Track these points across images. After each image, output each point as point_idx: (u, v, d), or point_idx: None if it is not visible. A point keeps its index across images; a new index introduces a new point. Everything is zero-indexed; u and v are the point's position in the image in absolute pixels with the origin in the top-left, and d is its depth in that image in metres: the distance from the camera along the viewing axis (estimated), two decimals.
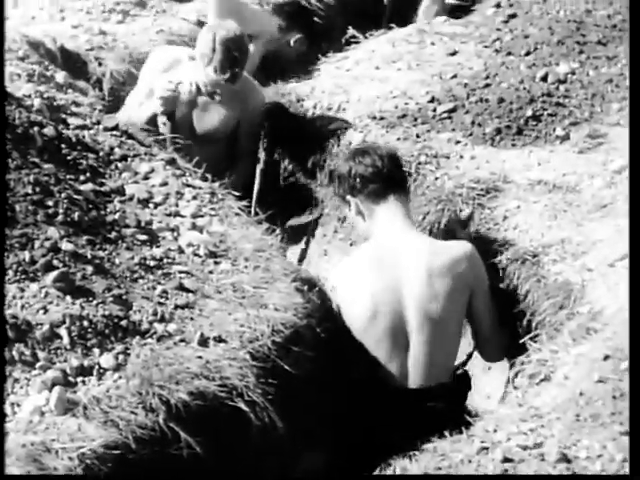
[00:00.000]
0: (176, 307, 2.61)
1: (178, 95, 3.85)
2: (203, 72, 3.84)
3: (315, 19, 5.21)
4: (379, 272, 2.98)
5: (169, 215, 2.97)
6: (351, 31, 5.03)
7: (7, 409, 2.17)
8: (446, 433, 2.36)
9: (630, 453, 2.17)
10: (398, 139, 3.86)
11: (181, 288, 2.68)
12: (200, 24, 4.85)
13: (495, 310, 3.16)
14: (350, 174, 3.11)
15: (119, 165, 3.04)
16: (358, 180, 3.11)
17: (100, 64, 4.37)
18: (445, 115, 4.02)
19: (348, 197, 3.16)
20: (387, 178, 3.11)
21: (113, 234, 2.76)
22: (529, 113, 4.02)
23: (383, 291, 2.96)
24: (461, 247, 3.10)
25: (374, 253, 3.05)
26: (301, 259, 4.15)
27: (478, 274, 3.09)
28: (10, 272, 2.45)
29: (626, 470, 2.17)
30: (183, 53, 4.06)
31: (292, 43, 4.87)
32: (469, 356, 3.25)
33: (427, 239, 3.18)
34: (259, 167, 4.08)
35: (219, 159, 3.94)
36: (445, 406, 3.00)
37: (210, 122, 3.96)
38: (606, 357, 2.60)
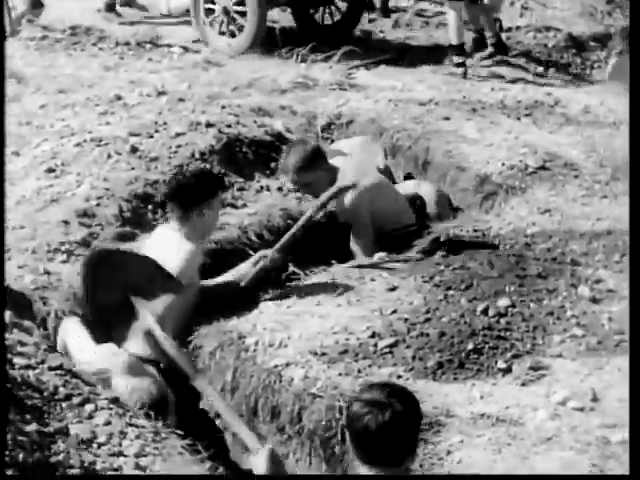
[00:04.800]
0: None
1: None
2: None
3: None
4: None
5: (113, 455, 3.22)
6: (291, 268, 5.45)
7: None
8: None
9: (630, 453, 2.30)
10: (339, 374, 4.18)
11: None
12: None
13: None
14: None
15: (63, 405, 3.31)
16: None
17: (45, 303, 4.73)
18: (386, 350, 4.37)
19: None
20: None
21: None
22: (470, 346, 4.38)
23: None
24: None
25: None
26: None
27: None
28: None
29: None
30: None
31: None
32: None
33: None
34: None
35: None
36: None
37: None
38: None
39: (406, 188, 6.52)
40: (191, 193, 4.90)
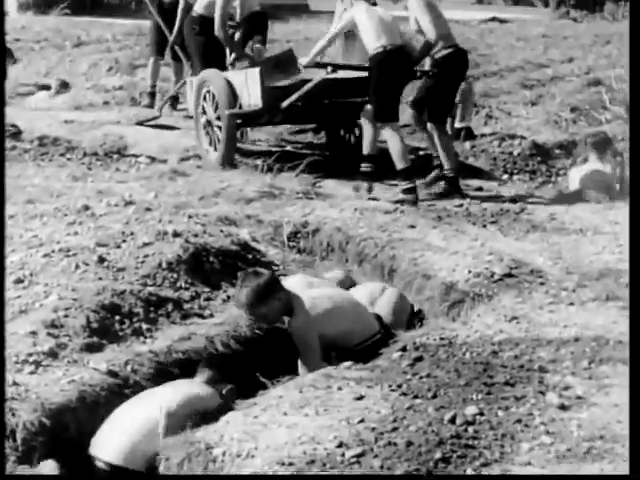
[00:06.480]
0: None
1: None
2: None
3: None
4: None
5: None
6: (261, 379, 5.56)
7: None
8: None
9: (630, 453, 2.31)
10: None
11: None
12: (110, 373, 5.35)
13: None
14: None
15: None
16: None
17: (13, 415, 4.77)
18: (354, 460, 4.38)
19: None
20: None
21: None
22: (438, 456, 4.40)
23: None
24: None
25: None
26: None
27: None
28: None
29: None
30: None
31: (224, 392, 5.35)
32: None
33: None
34: None
35: None
36: None
37: None
38: None
39: (367, 294, 6.68)
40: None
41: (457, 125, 12.09)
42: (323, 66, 9.29)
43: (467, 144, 11.69)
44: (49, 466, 4.49)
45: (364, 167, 9.16)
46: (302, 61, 9.43)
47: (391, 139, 8.99)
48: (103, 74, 16.42)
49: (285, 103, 9.54)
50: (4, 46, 10.46)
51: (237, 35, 11.33)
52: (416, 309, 6.90)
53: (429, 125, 9.43)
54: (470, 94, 12.48)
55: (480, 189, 9.95)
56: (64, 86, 14.64)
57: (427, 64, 9.42)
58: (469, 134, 12.01)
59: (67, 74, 15.70)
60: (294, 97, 9.47)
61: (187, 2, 12.22)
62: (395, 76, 8.97)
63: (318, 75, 9.33)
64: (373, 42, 8.91)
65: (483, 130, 12.82)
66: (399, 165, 8.96)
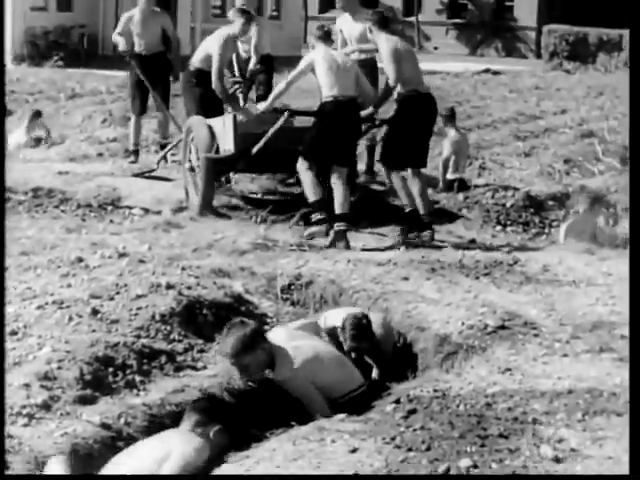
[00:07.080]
0: None
1: None
2: None
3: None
4: None
5: None
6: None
7: None
8: None
9: (630, 453, 2.32)
10: None
11: None
12: (103, 426, 5.36)
13: None
14: None
15: None
16: None
17: (7, 467, 4.76)
18: None
19: None
20: None
21: None
22: None
23: None
24: None
25: None
26: None
27: None
28: None
29: None
30: None
31: (212, 436, 5.36)
32: None
33: None
34: None
35: None
36: None
37: None
38: None
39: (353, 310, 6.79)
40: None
41: (450, 176, 12.22)
42: (281, 112, 9.46)
43: (460, 195, 11.80)
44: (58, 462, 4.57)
45: (338, 226, 9.28)
46: (260, 106, 9.59)
47: (304, 174, 9.34)
48: (97, 126, 16.57)
49: (255, 149, 9.73)
50: (4, 100, 10.54)
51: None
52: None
53: (386, 171, 9.73)
54: (464, 145, 12.65)
55: (473, 241, 10.02)
56: (37, 115, 14.88)
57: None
58: (462, 185, 12.13)
59: (61, 126, 15.83)
60: (262, 142, 9.66)
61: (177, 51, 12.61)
62: (338, 128, 9.25)
63: (279, 121, 9.51)
64: (326, 90, 9.20)
65: (476, 181, 12.92)
66: (311, 198, 9.29)
